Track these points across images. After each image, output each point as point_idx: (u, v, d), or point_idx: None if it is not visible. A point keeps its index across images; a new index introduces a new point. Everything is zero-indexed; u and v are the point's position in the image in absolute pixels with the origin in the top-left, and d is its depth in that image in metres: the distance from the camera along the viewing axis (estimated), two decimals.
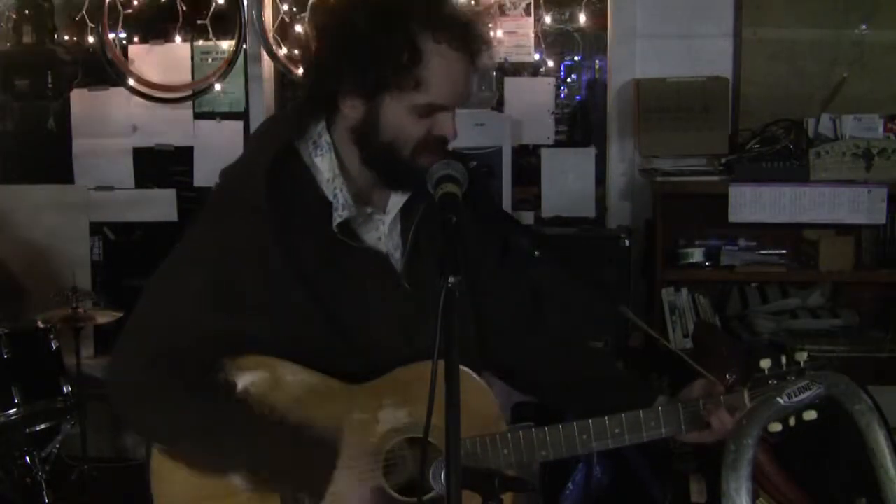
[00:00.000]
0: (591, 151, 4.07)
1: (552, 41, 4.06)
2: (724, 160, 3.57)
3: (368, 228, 1.64)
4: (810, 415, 1.61)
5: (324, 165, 1.60)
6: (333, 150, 1.60)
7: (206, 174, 4.19)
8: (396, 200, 1.64)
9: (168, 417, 1.55)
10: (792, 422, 1.62)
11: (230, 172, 1.64)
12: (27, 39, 3.99)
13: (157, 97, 4.18)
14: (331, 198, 1.58)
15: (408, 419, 1.59)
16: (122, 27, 4.12)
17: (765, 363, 1.64)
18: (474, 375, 1.64)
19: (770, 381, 1.62)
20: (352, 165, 1.60)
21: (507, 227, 1.84)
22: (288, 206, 1.56)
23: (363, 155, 1.58)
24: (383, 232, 1.65)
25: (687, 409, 1.65)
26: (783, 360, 1.64)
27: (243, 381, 1.57)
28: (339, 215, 1.58)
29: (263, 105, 4.16)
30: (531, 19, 4.01)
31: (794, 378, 1.58)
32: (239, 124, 4.20)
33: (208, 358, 1.55)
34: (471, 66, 1.53)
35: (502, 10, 3.98)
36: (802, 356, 1.62)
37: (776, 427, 1.59)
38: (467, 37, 1.52)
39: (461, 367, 1.53)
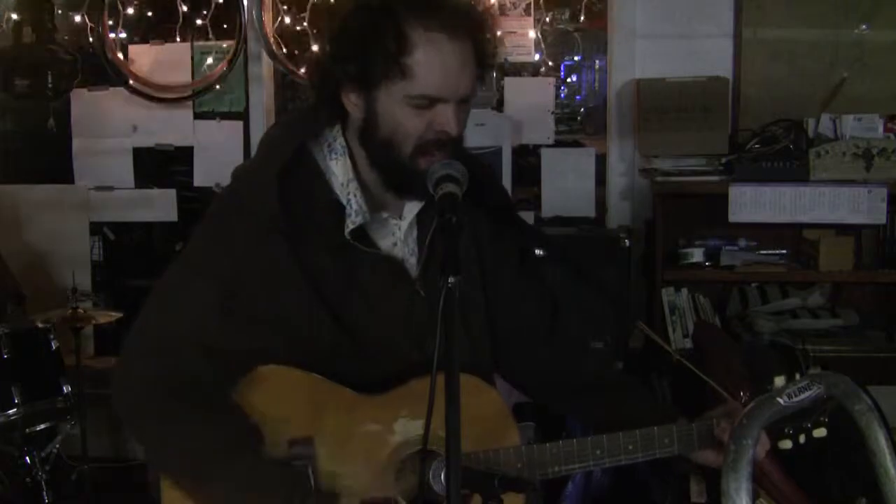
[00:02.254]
0: (592, 151, 4.07)
1: (552, 41, 4.06)
2: (724, 160, 3.57)
3: (384, 234, 1.61)
4: (820, 432, 1.61)
5: (338, 169, 1.57)
6: (349, 154, 1.57)
7: (206, 174, 4.19)
8: (412, 206, 1.61)
9: (168, 445, 1.51)
10: (802, 439, 1.61)
11: (242, 175, 1.61)
12: (27, 39, 3.99)
13: (157, 97, 4.18)
14: (344, 202, 1.55)
15: (422, 431, 1.58)
16: (122, 27, 4.12)
17: (779, 381, 1.62)
18: (485, 384, 1.61)
19: None
20: (366, 170, 1.57)
21: (523, 231, 1.81)
22: (300, 211, 1.52)
23: (368, 154, 1.55)
24: (399, 238, 1.62)
25: (700, 427, 1.64)
26: (798, 376, 1.62)
27: (258, 393, 1.54)
28: (351, 221, 1.55)
29: (263, 105, 4.16)
30: (531, 19, 4.01)
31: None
32: (239, 124, 4.20)
33: (218, 373, 1.51)
34: (468, 56, 1.48)
35: (502, 10, 3.98)
36: (817, 371, 1.60)
37: (786, 444, 1.58)
38: (462, 24, 1.48)
39: (472, 376, 1.52)
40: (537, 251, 1.92)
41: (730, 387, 1.71)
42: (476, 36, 1.50)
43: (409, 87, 1.46)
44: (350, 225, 1.55)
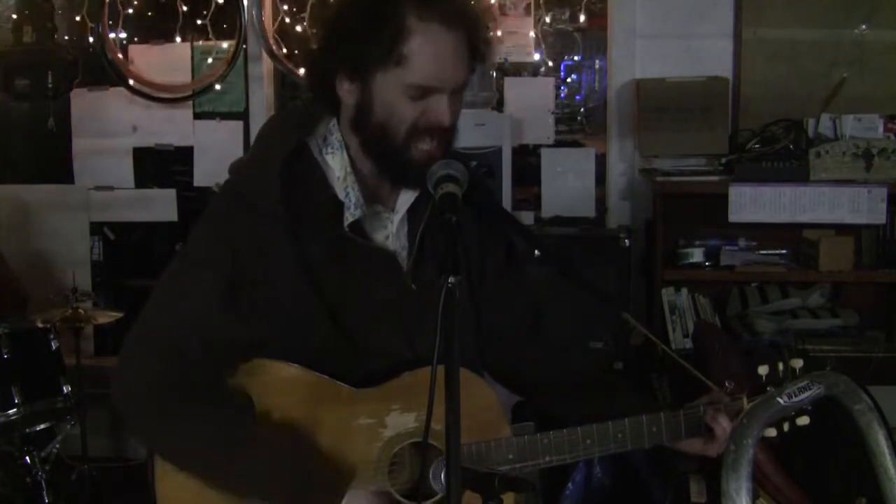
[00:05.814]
0: (592, 151, 4.07)
1: (552, 41, 4.06)
2: (724, 160, 3.57)
3: (377, 227, 1.63)
4: (803, 420, 1.63)
5: (335, 163, 1.59)
6: (345, 148, 1.59)
7: (206, 174, 4.19)
8: (405, 199, 1.63)
9: (177, 438, 1.53)
10: (786, 427, 1.63)
11: (241, 170, 1.62)
12: (27, 39, 4.00)
13: (157, 97, 4.18)
14: (342, 197, 1.58)
15: (414, 424, 1.58)
16: (122, 27, 4.13)
17: (762, 370, 1.64)
18: (478, 379, 1.63)
19: (768, 388, 1.62)
20: (363, 163, 1.59)
21: (511, 230, 1.82)
22: (300, 206, 1.55)
23: (361, 141, 1.57)
24: (391, 231, 1.64)
25: (688, 414, 1.66)
26: (780, 366, 1.64)
27: (252, 387, 1.55)
28: (350, 214, 1.57)
29: (263, 105, 4.17)
30: (531, 19, 4.01)
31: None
32: (239, 124, 4.20)
33: (218, 367, 1.53)
34: (462, 46, 1.51)
35: (502, 10, 3.98)
36: (798, 363, 1.62)
37: (770, 432, 1.59)
38: (457, 15, 1.50)
39: (465, 370, 1.54)
40: (528, 251, 1.91)
41: (717, 374, 1.72)
42: (470, 27, 1.52)
43: (404, 76, 1.48)
44: (349, 218, 1.57)
